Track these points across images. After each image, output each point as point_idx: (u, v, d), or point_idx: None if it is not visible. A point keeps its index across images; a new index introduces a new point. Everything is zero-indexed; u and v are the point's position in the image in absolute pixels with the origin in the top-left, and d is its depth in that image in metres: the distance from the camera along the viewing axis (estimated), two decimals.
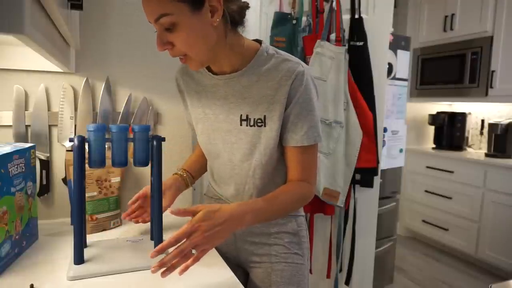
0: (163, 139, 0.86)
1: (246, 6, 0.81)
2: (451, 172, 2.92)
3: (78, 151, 0.77)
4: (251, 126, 0.85)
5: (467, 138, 3.22)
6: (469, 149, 3.24)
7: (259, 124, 0.84)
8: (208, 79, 0.89)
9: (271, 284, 0.91)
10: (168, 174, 1.20)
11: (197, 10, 0.73)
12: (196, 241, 0.69)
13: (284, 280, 0.91)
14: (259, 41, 0.87)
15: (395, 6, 1.89)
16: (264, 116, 0.83)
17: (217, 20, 0.75)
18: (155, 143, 0.85)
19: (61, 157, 1.14)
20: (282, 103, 0.81)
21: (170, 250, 0.70)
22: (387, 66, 1.81)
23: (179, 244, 0.69)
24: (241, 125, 0.86)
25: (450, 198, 2.93)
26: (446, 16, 3.07)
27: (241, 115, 0.85)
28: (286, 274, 0.91)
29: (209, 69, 0.89)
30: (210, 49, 0.78)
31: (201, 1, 0.73)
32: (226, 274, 0.82)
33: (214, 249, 0.93)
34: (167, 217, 0.85)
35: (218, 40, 0.78)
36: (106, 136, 0.82)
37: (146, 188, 1.00)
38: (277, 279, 0.91)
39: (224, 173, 0.94)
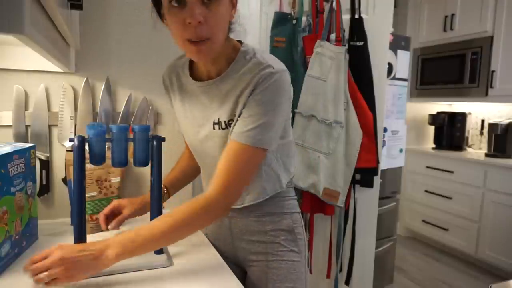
0: (163, 139, 0.86)
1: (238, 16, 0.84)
2: (451, 172, 2.92)
3: (78, 151, 0.78)
4: (223, 129, 0.84)
5: (467, 138, 3.22)
6: (469, 149, 3.24)
7: (230, 125, 0.83)
8: (190, 84, 0.89)
9: (267, 282, 0.91)
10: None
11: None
12: (49, 265, 0.69)
13: (280, 278, 0.91)
14: (240, 42, 0.87)
15: (395, 6, 1.89)
16: (234, 116, 0.83)
17: (234, 15, 0.79)
18: (155, 143, 0.85)
19: (61, 157, 1.14)
20: (244, 101, 0.80)
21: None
22: (387, 66, 1.81)
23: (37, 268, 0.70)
24: (213, 129, 0.86)
25: (450, 198, 2.93)
26: (446, 16, 3.07)
27: (213, 120, 0.86)
28: (283, 272, 0.92)
29: (191, 73, 0.90)
30: (223, 41, 0.79)
31: None
32: (226, 274, 0.82)
33: (214, 249, 0.93)
34: None
35: (227, 37, 0.81)
36: (106, 136, 0.82)
37: (117, 203, 0.98)
38: (273, 277, 0.91)
39: (211, 175, 0.94)
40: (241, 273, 0.99)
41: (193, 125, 0.90)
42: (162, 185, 1.00)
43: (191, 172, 1.08)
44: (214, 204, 0.78)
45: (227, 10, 0.77)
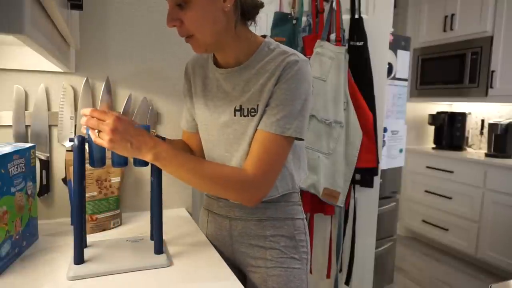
0: (163, 139, 0.86)
1: (261, 4, 0.85)
2: (451, 172, 2.92)
3: (78, 151, 0.77)
4: (244, 116, 0.85)
5: (467, 138, 3.22)
6: (469, 149, 3.24)
7: (252, 114, 0.84)
8: (212, 72, 0.91)
9: None
10: (168, 174, 1.20)
11: None
12: (102, 128, 0.72)
13: (280, 286, 0.89)
14: (264, 36, 0.89)
15: (395, 6, 1.89)
16: (257, 105, 0.84)
17: (229, 6, 0.78)
18: None
19: (61, 157, 1.14)
20: (270, 90, 0.81)
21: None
22: (387, 66, 1.81)
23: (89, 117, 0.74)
24: (235, 115, 0.86)
25: (450, 198, 2.93)
26: (446, 16, 3.07)
27: (235, 106, 0.86)
28: (282, 279, 0.90)
29: (215, 62, 0.91)
30: (217, 34, 0.80)
31: None
32: (226, 274, 0.82)
33: (214, 249, 0.93)
34: (167, 217, 0.85)
35: (227, 28, 0.80)
36: None
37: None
38: (273, 285, 0.89)
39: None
40: (241, 277, 0.98)
41: (213, 112, 0.91)
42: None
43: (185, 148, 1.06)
44: (247, 187, 0.80)
45: (213, 4, 0.77)
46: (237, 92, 0.86)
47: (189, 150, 1.05)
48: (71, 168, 1.04)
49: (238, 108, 0.86)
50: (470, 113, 3.23)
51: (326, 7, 1.62)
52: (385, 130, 2.01)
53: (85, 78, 1.14)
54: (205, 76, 0.94)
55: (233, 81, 0.87)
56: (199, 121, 0.97)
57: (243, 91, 0.86)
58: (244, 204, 0.88)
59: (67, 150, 1.11)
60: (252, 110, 0.84)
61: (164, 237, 0.88)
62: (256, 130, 0.83)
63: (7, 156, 0.79)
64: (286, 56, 0.82)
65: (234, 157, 0.88)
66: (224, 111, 0.88)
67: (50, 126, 1.12)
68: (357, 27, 1.65)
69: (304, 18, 1.64)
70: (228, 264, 0.92)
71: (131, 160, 0.86)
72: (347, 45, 1.63)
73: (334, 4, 1.60)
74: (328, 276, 1.76)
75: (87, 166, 0.82)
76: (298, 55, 0.83)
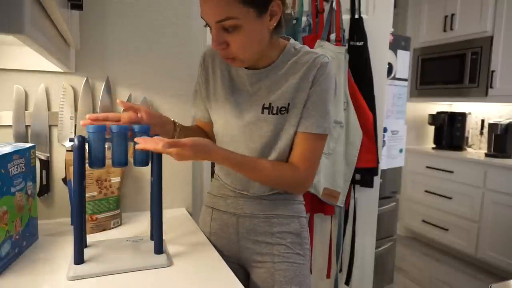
0: (175, 124, 0.86)
1: (291, 16, 0.89)
2: (451, 172, 2.92)
3: (78, 151, 0.77)
4: (274, 114, 0.87)
5: (467, 138, 3.22)
6: (469, 149, 3.24)
7: (282, 112, 0.87)
8: (235, 69, 0.91)
9: (274, 283, 0.91)
10: (168, 174, 1.20)
11: (262, 14, 0.76)
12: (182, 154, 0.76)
13: (287, 280, 0.91)
14: (287, 38, 0.91)
15: (395, 6, 1.89)
16: (288, 104, 0.86)
17: (274, 24, 0.80)
18: None
19: (61, 157, 1.14)
20: (306, 91, 0.85)
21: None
22: (387, 66, 1.81)
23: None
24: (262, 113, 0.88)
25: (450, 198, 2.93)
26: (446, 16, 3.07)
27: (263, 104, 0.88)
28: (289, 274, 0.92)
29: None
30: (260, 52, 0.83)
31: (266, 6, 0.76)
32: (226, 274, 0.82)
33: (214, 249, 0.93)
34: (167, 217, 0.85)
35: (266, 42, 0.83)
36: (106, 136, 0.82)
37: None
38: (280, 279, 0.91)
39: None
40: (244, 274, 0.99)
41: (235, 109, 0.91)
42: (176, 123, 0.95)
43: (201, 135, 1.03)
44: (299, 182, 0.89)
45: (261, 26, 0.78)
46: (263, 92, 0.88)
47: (206, 136, 1.02)
48: (71, 168, 1.04)
49: (267, 106, 0.87)
50: (470, 113, 3.23)
51: (326, 7, 1.62)
52: (385, 130, 2.01)
53: (85, 78, 1.14)
54: (227, 70, 0.93)
55: (259, 81, 0.88)
56: (217, 115, 0.96)
57: (269, 90, 0.87)
58: (295, 193, 0.97)
59: (67, 150, 1.11)
60: (283, 109, 0.86)
61: (164, 237, 0.88)
62: (288, 128, 0.87)
63: (7, 156, 0.79)
64: (316, 56, 0.85)
65: (258, 154, 0.90)
66: (248, 109, 0.89)
67: (50, 126, 1.12)
68: (357, 27, 1.65)
69: (304, 18, 1.63)
70: (232, 261, 0.95)
71: (131, 160, 0.86)
72: (347, 45, 1.63)
73: (334, 4, 1.60)
74: (328, 276, 1.76)
75: (87, 166, 0.82)
76: (327, 56, 0.86)
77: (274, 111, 0.87)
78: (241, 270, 0.99)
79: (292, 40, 0.90)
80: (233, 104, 0.91)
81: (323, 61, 0.84)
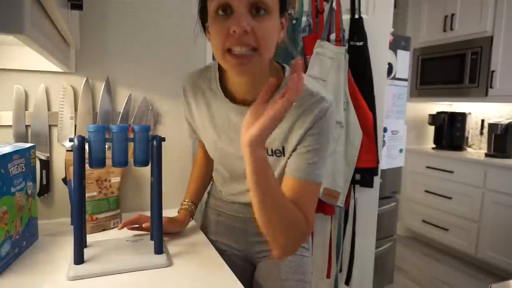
0: (163, 139, 0.86)
1: (290, 14, 0.84)
2: (451, 172, 2.92)
3: (78, 151, 0.77)
4: (269, 155, 0.83)
5: (467, 138, 3.22)
6: (469, 149, 3.24)
7: (278, 155, 0.83)
8: (221, 102, 0.84)
9: (280, 272, 0.95)
10: (168, 174, 1.20)
11: (281, 14, 0.73)
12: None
13: (292, 270, 0.96)
14: (283, 68, 0.83)
15: (395, 6, 1.89)
16: (283, 148, 0.81)
17: (283, 37, 0.75)
18: (155, 143, 0.85)
19: (61, 157, 1.14)
20: (300, 134, 0.78)
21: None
22: (387, 66, 1.81)
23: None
24: None
25: (450, 198, 2.93)
26: (446, 16, 3.07)
27: None
28: (294, 264, 0.97)
29: (225, 93, 0.84)
30: (273, 53, 0.73)
31: (284, 8, 0.74)
32: (226, 274, 0.82)
33: (215, 251, 0.93)
34: (167, 217, 0.85)
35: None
36: (106, 136, 0.82)
37: (139, 216, 0.99)
38: (285, 269, 0.96)
39: (234, 174, 0.95)
40: (250, 268, 1.03)
41: (227, 145, 0.87)
42: (190, 202, 1.05)
43: (209, 178, 1.11)
44: (305, 232, 0.79)
45: (276, 28, 0.72)
46: None
47: (203, 189, 1.12)
48: (71, 168, 1.04)
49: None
50: (470, 113, 3.23)
51: (326, 7, 1.62)
52: (385, 130, 2.01)
53: (85, 78, 1.14)
54: (208, 104, 0.87)
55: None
56: (209, 149, 0.94)
57: None
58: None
59: (67, 150, 1.11)
60: (277, 151, 0.82)
61: (164, 237, 0.88)
62: (281, 169, 0.82)
63: (7, 156, 0.79)
64: (314, 101, 0.77)
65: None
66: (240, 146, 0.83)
67: (50, 126, 1.12)
68: (357, 27, 1.65)
69: (304, 18, 1.63)
70: (239, 256, 0.99)
71: (131, 160, 0.86)
72: (347, 45, 1.63)
73: (334, 4, 1.60)
74: (328, 276, 1.76)
75: (87, 166, 0.82)
76: (326, 98, 0.78)
77: (269, 153, 0.82)
78: (248, 263, 1.03)
79: (287, 73, 0.81)
80: (224, 140, 0.87)
81: (324, 106, 0.77)
